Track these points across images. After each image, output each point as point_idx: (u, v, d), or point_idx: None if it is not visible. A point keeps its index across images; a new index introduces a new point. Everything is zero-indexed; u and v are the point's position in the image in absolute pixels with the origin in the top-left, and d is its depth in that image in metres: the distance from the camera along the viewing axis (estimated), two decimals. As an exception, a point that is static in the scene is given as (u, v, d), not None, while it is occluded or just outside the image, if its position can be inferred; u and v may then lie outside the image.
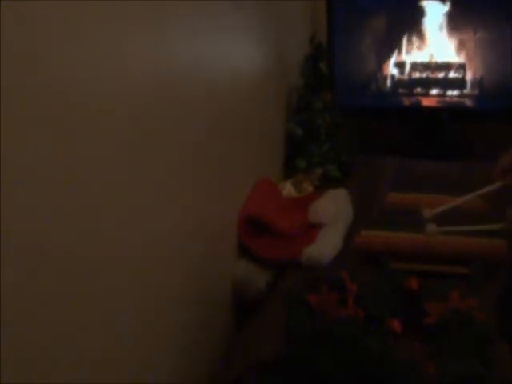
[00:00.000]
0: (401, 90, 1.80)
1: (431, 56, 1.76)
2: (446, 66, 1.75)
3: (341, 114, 1.67)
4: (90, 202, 0.69)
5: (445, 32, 1.73)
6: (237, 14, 1.24)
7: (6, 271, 0.54)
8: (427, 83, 1.77)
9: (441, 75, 1.76)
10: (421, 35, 1.75)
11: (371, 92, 1.81)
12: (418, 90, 1.79)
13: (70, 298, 0.65)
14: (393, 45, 1.77)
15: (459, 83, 1.74)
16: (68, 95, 0.64)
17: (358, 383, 0.80)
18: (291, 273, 1.19)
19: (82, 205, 0.67)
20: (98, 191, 0.70)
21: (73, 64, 0.64)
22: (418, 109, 1.81)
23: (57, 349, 0.63)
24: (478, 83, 1.72)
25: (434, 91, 1.78)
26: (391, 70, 1.79)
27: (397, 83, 1.80)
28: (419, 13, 1.72)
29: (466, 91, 1.74)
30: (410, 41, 1.76)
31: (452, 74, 1.75)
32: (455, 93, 1.75)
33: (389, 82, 1.80)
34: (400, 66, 1.78)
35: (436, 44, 1.75)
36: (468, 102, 1.75)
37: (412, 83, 1.79)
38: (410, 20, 1.74)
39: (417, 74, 1.78)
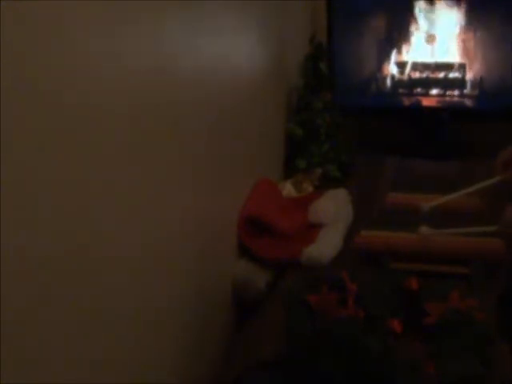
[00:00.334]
0: (401, 90, 1.80)
1: (431, 56, 1.76)
2: (446, 66, 1.75)
3: (341, 114, 1.67)
4: (89, 202, 0.69)
5: (445, 32, 1.73)
6: (237, 14, 1.24)
7: (6, 271, 0.54)
8: (427, 83, 1.77)
9: (441, 75, 1.76)
10: (421, 35, 1.75)
11: (371, 92, 1.81)
12: (418, 90, 1.79)
13: (69, 298, 0.65)
14: (393, 45, 1.77)
15: (459, 83, 1.74)
16: (68, 95, 0.64)
17: (358, 383, 0.80)
18: (291, 273, 1.19)
19: (82, 205, 0.67)
20: (97, 191, 0.70)
21: (73, 64, 0.64)
22: (418, 109, 1.81)
23: (57, 349, 0.63)
24: (478, 83, 1.72)
25: (434, 91, 1.78)
26: (391, 69, 1.79)
27: (397, 83, 1.80)
28: (419, 13, 1.72)
29: (466, 91, 1.74)
30: (409, 41, 1.76)
31: (452, 74, 1.75)
32: (455, 93, 1.75)
33: (389, 82, 1.80)
34: (400, 65, 1.78)
35: (436, 44, 1.75)
36: (468, 102, 1.75)
37: (412, 83, 1.79)
38: (409, 20, 1.74)
39: (417, 74, 1.78)
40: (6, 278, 0.54)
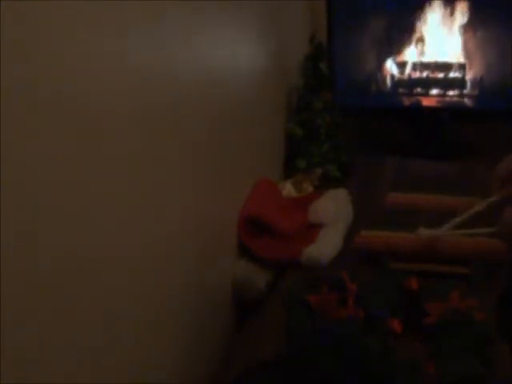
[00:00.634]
0: (401, 90, 1.80)
1: (431, 56, 1.76)
2: (446, 66, 1.75)
3: (341, 114, 1.66)
4: (89, 202, 0.69)
5: (445, 32, 1.73)
6: (237, 14, 1.24)
7: (6, 271, 0.54)
8: (427, 83, 1.77)
9: (441, 75, 1.76)
10: (421, 35, 1.75)
11: (371, 92, 1.81)
12: (418, 90, 1.79)
13: (69, 298, 0.65)
14: (393, 45, 1.77)
15: (459, 83, 1.74)
16: (67, 95, 0.64)
17: (359, 383, 0.80)
18: (291, 273, 1.19)
19: (82, 205, 0.67)
20: (97, 191, 0.70)
21: (72, 64, 0.64)
22: (418, 109, 1.80)
23: (57, 349, 0.63)
24: (478, 83, 1.72)
25: (434, 91, 1.78)
26: (391, 69, 1.79)
27: (397, 83, 1.80)
28: (419, 13, 1.72)
29: (466, 91, 1.74)
30: (409, 41, 1.76)
31: (452, 74, 1.75)
32: (455, 93, 1.75)
33: (389, 82, 1.80)
34: (400, 65, 1.78)
35: (436, 44, 1.75)
36: (468, 102, 1.75)
37: (412, 83, 1.79)
38: (409, 20, 1.74)
39: (417, 74, 1.78)
40: (6, 278, 0.54)
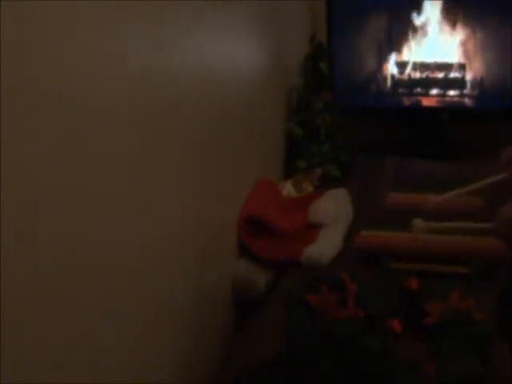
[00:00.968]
0: (401, 90, 1.80)
1: (431, 56, 1.76)
2: (446, 66, 1.75)
3: (341, 114, 1.66)
4: (89, 202, 0.69)
5: (445, 32, 1.73)
6: (237, 14, 1.24)
7: (6, 271, 0.54)
8: (427, 83, 1.77)
9: (441, 75, 1.76)
10: (421, 35, 1.75)
11: (371, 92, 1.81)
12: (418, 90, 1.79)
13: (69, 298, 0.65)
14: (393, 45, 1.77)
15: (459, 83, 1.74)
16: (67, 95, 0.64)
17: (358, 383, 0.80)
18: (291, 273, 1.19)
19: (82, 205, 0.67)
20: (97, 191, 0.70)
21: (72, 64, 0.64)
22: (418, 109, 1.80)
23: (57, 349, 0.63)
24: (478, 83, 1.72)
25: (434, 91, 1.78)
26: (391, 69, 1.79)
27: (397, 83, 1.80)
28: (419, 13, 1.72)
29: (466, 91, 1.74)
30: (409, 41, 1.76)
31: (452, 74, 1.75)
32: (455, 93, 1.75)
33: (389, 82, 1.80)
34: (400, 65, 1.78)
35: (436, 44, 1.75)
36: (468, 102, 1.75)
37: (412, 83, 1.79)
38: (409, 20, 1.74)
39: (417, 74, 1.78)
40: (6, 278, 0.54)
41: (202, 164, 1.05)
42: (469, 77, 1.73)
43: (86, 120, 0.67)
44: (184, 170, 0.97)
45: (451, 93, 1.76)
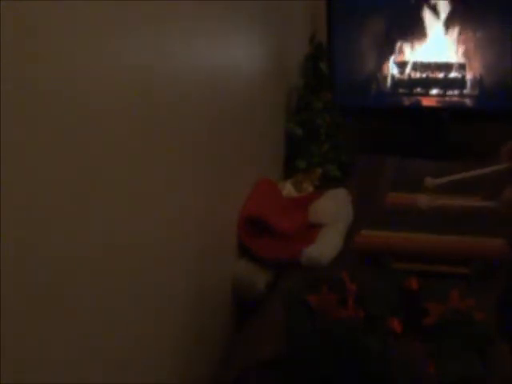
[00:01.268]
0: (401, 90, 1.80)
1: (431, 56, 1.76)
2: (446, 66, 1.75)
3: (341, 114, 1.66)
4: (90, 202, 0.69)
5: (445, 32, 1.73)
6: (237, 14, 1.24)
7: (7, 271, 0.54)
8: (427, 83, 1.77)
9: (441, 75, 1.76)
10: (421, 35, 1.75)
11: (371, 92, 1.81)
12: (418, 89, 1.79)
13: (69, 298, 0.65)
14: (393, 45, 1.77)
15: (459, 83, 1.74)
16: (68, 95, 0.64)
17: (358, 383, 0.80)
18: (291, 273, 1.19)
19: (82, 205, 0.67)
20: (97, 191, 0.70)
21: (72, 64, 0.64)
22: (418, 109, 1.80)
23: (57, 349, 0.63)
24: (478, 83, 1.72)
25: (434, 91, 1.78)
26: (391, 69, 1.79)
27: (397, 83, 1.79)
28: (419, 13, 1.72)
29: (465, 91, 1.74)
30: (409, 41, 1.76)
31: (452, 74, 1.75)
32: (455, 93, 1.75)
33: (389, 82, 1.80)
34: (400, 65, 1.78)
35: (436, 44, 1.75)
36: (468, 102, 1.75)
37: (412, 83, 1.79)
38: (409, 20, 1.74)
39: (417, 74, 1.78)
40: (6, 278, 0.54)
41: (201, 164, 1.05)
42: (469, 77, 1.73)
43: (86, 120, 0.67)
44: (184, 170, 0.97)
45: (451, 93, 1.76)
